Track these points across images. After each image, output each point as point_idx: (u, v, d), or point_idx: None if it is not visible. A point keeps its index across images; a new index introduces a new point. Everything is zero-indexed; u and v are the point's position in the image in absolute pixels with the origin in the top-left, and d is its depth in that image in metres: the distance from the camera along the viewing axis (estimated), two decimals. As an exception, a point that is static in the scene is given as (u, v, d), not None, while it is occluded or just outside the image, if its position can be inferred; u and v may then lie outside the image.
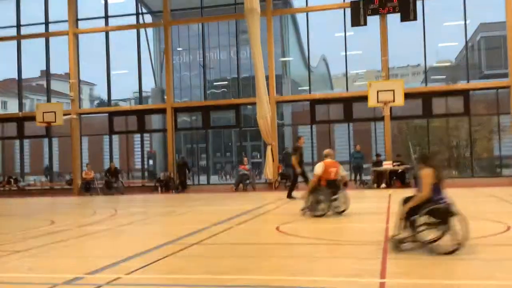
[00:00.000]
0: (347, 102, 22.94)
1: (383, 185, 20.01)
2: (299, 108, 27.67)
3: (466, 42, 23.19)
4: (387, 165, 20.26)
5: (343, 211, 10.89)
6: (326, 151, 11.45)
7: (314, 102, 23.68)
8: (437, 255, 6.51)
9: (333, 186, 11.00)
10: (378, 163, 20.88)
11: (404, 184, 19.98)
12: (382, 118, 21.66)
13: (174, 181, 23.35)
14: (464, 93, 21.98)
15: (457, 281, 5.32)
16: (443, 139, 23.89)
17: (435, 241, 6.66)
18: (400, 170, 20.16)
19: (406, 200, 6.95)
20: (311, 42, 24.31)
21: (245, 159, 22.99)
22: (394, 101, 19.72)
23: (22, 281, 5.96)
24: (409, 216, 6.69)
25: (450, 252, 6.36)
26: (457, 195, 14.88)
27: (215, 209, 14.35)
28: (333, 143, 25.69)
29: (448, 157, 25.54)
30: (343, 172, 11.68)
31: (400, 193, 17.33)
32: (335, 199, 10.96)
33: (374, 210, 12.37)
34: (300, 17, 27.28)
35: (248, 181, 21.91)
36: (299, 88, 28.46)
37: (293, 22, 29.65)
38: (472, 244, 7.48)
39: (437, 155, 6.80)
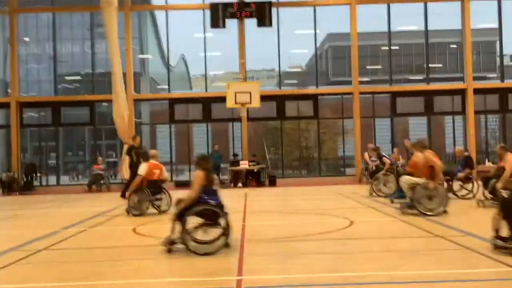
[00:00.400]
0: (206, 102, 23.20)
1: (240, 184, 20.59)
2: (158, 107, 27.27)
3: (316, 50, 24.86)
4: (244, 164, 20.89)
5: (165, 211, 11.06)
6: (152, 151, 12.00)
7: (173, 101, 23.53)
8: (285, 252, 6.89)
9: (156, 187, 11.32)
10: (235, 163, 21.43)
11: (260, 183, 20.81)
12: (239, 119, 22.28)
13: (18, 182, 21.51)
14: (313, 98, 23.58)
15: (313, 274, 5.67)
16: (295, 140, 25.30)
17: (212, 241, 6.76)
18: (256, 170, 20.93)
19: (179, 201, 7.02)
20: (171, 41, 24.12)
21: (100, 158, 22.04)
22: (251, 102, 20.43)
23: None
24: (180, 217, 6.75)
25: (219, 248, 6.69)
26: (306, 193, 15.93)
27: (66, 211, 13.54)
28: (192, 142, 25.79)
29: (299, 157, 27.13)
30: (166, 173, 12.17)
31: (256, 192, 18.06)
32: (159, 199, 11.38)
33: (231, 209, 12.65)
34: (160, 15, 26.91)
35: (102, 181, 21.03)
36: (158, 87, 28.02)
37: (153, 19, 29.12)
38: (319, 238, 8.06)
39: (207, 158, 7.47)
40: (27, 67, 28.24)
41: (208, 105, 23.18)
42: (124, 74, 21.39)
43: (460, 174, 13.02)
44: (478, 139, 24.62)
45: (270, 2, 22.31)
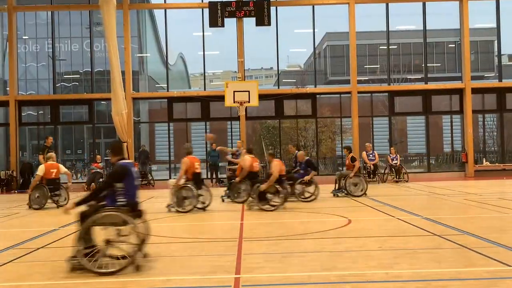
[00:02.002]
0: (205, 101, 23.21)
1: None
2: (157, 105, 27.29)
3: (314, 49, 24.89)
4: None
5: (64, 205, 11.93)
6: (49, 154, 13.88)
7: (171, 100, 23.55)
8: (282, 251, 6.93)
9: (54, 184, 13.25)
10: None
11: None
12: (237, 118, 22.30)
13: (16, 180, 21.52)
14: (312, 97, 23.61)
15: (310, 273, 5.71)
16: (293, 139, 25.31)
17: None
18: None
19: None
20: (169, 40, 24.13)
21: (98, 156, 22.04)
22: (249, 101, 20.45)
23: None
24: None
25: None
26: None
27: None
28: (191, 141, 25.81)
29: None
30: (64, 169, 13.93)
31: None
32: (58, 195, 13.36)
33: (230, 207, 12.70)
34: (158, 14, 26.92)
35: (101, 180, 21.03)
36: (156, 86, 28.03)
37: (151, 18, 29.13)
38: (316, 237, 8.10)
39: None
40: (26, 66, 28.23)
41: (207, 103, 23.20)
42: (123, 73, 21.39)
43: (306, 177, 13.44)
44: (476, 139, 24.68)
45: (269, 1, 22.32)
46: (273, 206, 11.56)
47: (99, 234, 5.89)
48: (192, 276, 5.72)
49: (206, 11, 22.63)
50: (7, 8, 22.53)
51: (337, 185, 15.01)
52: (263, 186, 11.57)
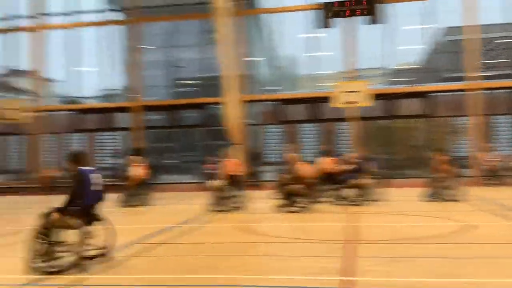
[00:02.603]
0: (314, 103, 23.27)
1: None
2: (266, 107, 27.90)
3: (427, 46, 23.82)
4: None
5: None
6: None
7: (281, 102, 23.95)
8: (389, 254, 6.81)
9: None
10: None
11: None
12: (347, 119, 22.08)
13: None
14: (425, 95, 22.62)
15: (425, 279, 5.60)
16: (404, 140, 24.48)
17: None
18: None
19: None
20: (279, 43, 24.55)
21: (211, 158, 23.04)
22: (359, 102, 20.13)
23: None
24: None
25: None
26: (414, 194, 15.25)
27: (182, 208, 14.40)
28: (300, 142, 26.02)
29: (408, 157, 26.19)
30: None
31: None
32: None
33: (334, 209, 12.69)
34: (268, 18, 27.50)
35: (211, 180, 21.90)
36: (267, 88, 28.68)
37: (260, 22, 29.86)
38: (426, 242, 7.83)
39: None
40: (148, 73, 30.38)
41: (316, 105, 23.25)
42: (234, 77, 22.20)
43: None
44: None
45: (380, -2, 21.79)
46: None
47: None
48: (298, 276, 5.86)
49: (315, 12, 22.68)
50: (132, 20, 24.45)
51: (431, 188, 13.99)
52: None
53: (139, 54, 25.21)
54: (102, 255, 6.46)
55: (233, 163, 13.07)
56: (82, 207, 6.34)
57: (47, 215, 6.28)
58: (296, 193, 12.00)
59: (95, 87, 28.49)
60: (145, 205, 14.76)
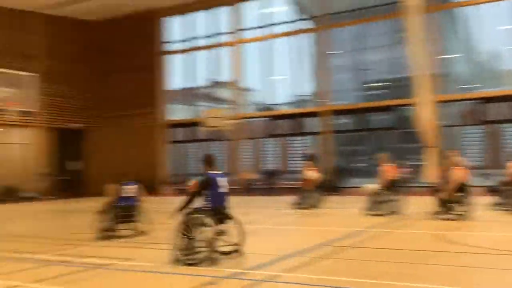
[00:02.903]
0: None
1: None
2: (464, 107, 25.88)
3: None
4: None
5: None
6: None
7: (482, 101, 22.02)
8: None
9: None
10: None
11: None
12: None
13: (330, 183, 23.54)
14: None
15: None
16: None
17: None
18: None
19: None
20: (477, 37, 22.60)
21: (404, 162, 22.25)
22: None
23: (178, 271, 6.64)
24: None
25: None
26: None
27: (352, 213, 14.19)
28: (503, 145, 23.58)
29: None
30: None
31: None
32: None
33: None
34: (465, 10, 25.52)
35: (404, 185, 21.15)
36: (464, 86, 26.61)
37: (456, 16, 27.86)
38: None
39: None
40: (337, 78, 30.71)
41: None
42: (427, 76, 21.12)
43: None
44: None
45: None
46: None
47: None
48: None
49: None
50: (321, 27, 25.04)
51: None
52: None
53: (327, 60, 25.65)
54: (235, 251, 7.14)
55: (391, 168, 13.01)
56: (212, 207, 7.01)
57: (188, 214, 7.03)
58: (452, 200, 11.29)
59: (287, 94, 29.83)
60: (317, 207, 14.98)
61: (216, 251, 6.90)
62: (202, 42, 27.90)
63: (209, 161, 7.40)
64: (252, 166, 26.39)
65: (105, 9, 26.96)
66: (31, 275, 6.71)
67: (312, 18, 27.84)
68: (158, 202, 18.52)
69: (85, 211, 15.25)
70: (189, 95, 29.16)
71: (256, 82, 28.53)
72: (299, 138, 27.69)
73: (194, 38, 28.11)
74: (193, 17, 28.12)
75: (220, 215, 7.10)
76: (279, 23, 26.50)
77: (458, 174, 11.49)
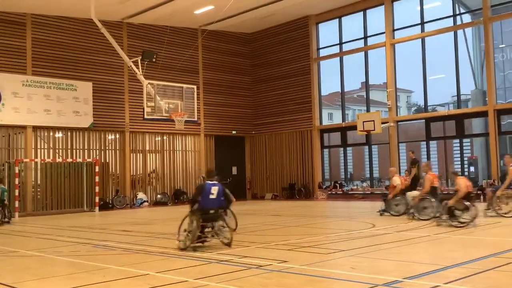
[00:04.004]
0: None
1: None
2: None
3: None
4: None
5: None
6: None
7: None
8: None
9: None
10: None
11: None
12: None
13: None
14: None
15: None
16: None
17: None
18: None
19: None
20: None
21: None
22: None
23: (345, 278, 6.57)
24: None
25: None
26: None
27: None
28: None
29: None
30: None
31: None
32: None
33: None
34: None
35: None
36: None
37: None
38: None
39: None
40: (504, 74, 28.04)
41: None
42: None
43: None
44: None
45: None
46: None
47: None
48: None
49: None
50: (483, 20, 23.07)
51: None
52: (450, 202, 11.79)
53: (492, 55, 23.53)
54: (228, 244, 9.25)
55: None
56: (200, 208, 9.26)
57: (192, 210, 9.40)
58: None
59: (445, 94, 28.11)
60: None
61: (197, 242, 9.16)
62: (354, 45, 27.57)
63: (207, 173, 10.12)
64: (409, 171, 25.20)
65: (259, 21, 28.10)
66: (196, 271, 7.19)
67: (471, 11, 25.83)
68: (311, 207, 18.67)
69: (244, 213, 15.97)
70: (342, 99, 29.00)
71: (411, 83, 27.35)
72: (460, 140, 25.83)
73: (347, 41, 27.89)
74: (345, 20, 27.94)
75: (206, 215, 9.22)
76: (434, 20, 25.03)
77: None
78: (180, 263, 7.88)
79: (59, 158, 22.84)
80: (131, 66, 18.67)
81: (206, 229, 9.24)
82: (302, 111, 28.38)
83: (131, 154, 25.50)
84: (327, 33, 28.83)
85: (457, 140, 26.28)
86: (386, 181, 29.02)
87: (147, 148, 26.29)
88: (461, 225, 11.59)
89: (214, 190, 9.32)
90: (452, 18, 24.64)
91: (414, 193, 13.92)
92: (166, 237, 11.51)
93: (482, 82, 26.35)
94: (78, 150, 23.70)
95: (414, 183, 16.60)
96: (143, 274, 7.04)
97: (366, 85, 28.22)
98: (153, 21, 25.88)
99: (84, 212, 22.05)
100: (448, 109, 29.48)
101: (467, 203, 11.75)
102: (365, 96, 29.00)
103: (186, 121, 18.69)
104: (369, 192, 26.78)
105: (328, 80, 29.27)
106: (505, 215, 13.32)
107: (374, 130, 24.13)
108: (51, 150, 22.92)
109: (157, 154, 26.76)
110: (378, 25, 26.28)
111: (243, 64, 30.46)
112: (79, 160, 23.16)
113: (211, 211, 9.26)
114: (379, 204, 15.90)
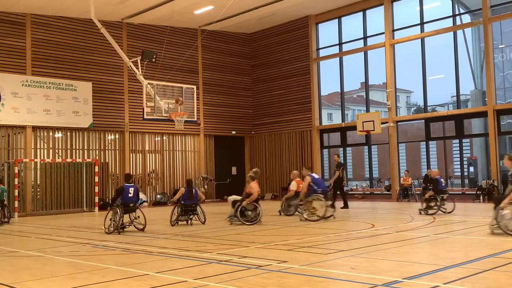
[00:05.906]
0: None
1: None
2: None
3: None
4: None
5: None
6: None
7: None
8: None
9: None
10: None
11: None
12: None
13: (497, 190, 21.51)
14: None
15: None
16: None
17: None
18: None
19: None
20: None
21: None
22: None
23: (344, 278, 6.57)
24: None
25: None
26: None
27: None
28: None
29: None
30: None
31: None
32: None
33: None
34: None
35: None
36: None
37: None
38: None
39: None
40: (503, 74, 28.05)
41: None
42: None
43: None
44: None
45: None
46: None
47: None
48: None
49: None
50: (483, 20, 23.07)
51: None
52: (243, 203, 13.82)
53: (492, 55, 23.54)
54: (142, 229, 12.70)
55: None
56: (123, 204, 12.65)
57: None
58: None
59: (444, 94, 28.13)
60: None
61: (120, 227, 12.38)
62: (354, 45, 27.55)
63: (126, 177, 13.62)
64: (409, 170, 25.22)
65: (259, 21, 28.09)
66: (196, 272, 7.20)
67: (470, 12, 25.85)
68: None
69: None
70: (341, 99, 28.99)
71: (410, 83, 27.34)
72: (459, 140, 25.82)
73: (346, 42, 27.87)
74: (344, 20, 27.92)
75: (127, 207, 12.62)
76: (433, 20, 25.02)
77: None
78: (180, 263, 7.89)
79: (58, 158, 22.84)
80: (130, 66, 18.65)
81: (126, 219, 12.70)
82: (301, 111, 28.37)
83: (131, 154, 25.50)
84: (326, 33, 28.80)
85: (457, 140, 26.28)
86: (386, 181, 29.08)
87: (147, 148, 26.28)
88: (250, 223, 13.57)
89: (131, 190, 12.81)
90: (451, 18, 24.63)
91: (234, 197, 14.92)
92: (166, 237, 11.52)
93: (481, 82, 26.36)
94: (77, 150, 23.69)
95: (337, 185, 19.10)
96: (142, 274, 7.04)
97: (366, 85, 28.23)
98: (153, 21, 25.88)
99: (83, 212, 22.05)
100: (448, 109, 29.51)
101: (256, 204, 13.91)
102: (364, 96, 29.01)
103: (185, 121, 18.67)
104: (368, 193, 26.80)
105: (327, 80, 29.24)
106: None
107: (373, 130, 24.12)
108: (50, 150, 22.91)
109: (157, 154, 26.77)
110: (378, 25, 26.26)
111: (242, 64, 30.45)
112: (79, 160, 23.15)
113: (131, 205, 12.76)
114: (379, 204, 15.89)
